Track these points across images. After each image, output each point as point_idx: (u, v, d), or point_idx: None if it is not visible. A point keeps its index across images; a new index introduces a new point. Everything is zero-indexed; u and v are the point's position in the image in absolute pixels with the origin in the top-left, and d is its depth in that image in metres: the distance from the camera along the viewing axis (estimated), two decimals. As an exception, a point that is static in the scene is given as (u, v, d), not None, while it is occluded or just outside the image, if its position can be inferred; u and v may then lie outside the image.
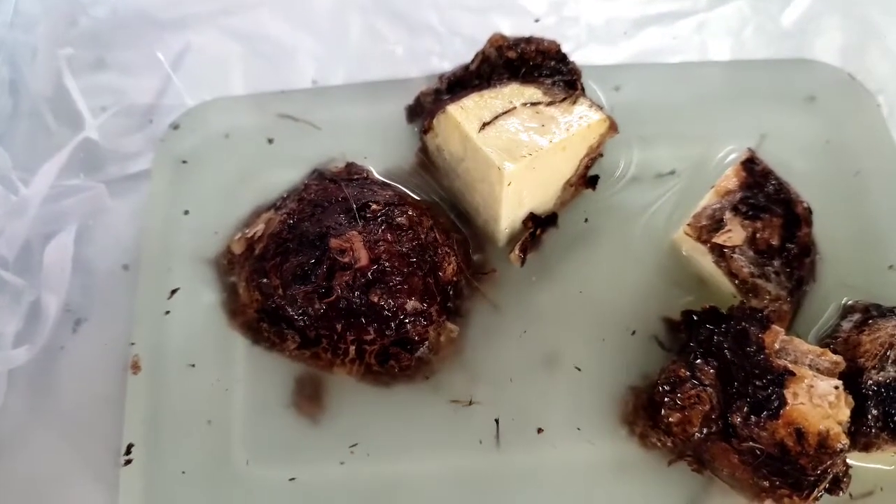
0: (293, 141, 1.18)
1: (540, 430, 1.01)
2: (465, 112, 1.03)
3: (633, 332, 1.06)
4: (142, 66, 1.23)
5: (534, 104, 1.05)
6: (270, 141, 1.19)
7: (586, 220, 1.13)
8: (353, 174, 1.12)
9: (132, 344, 1.05)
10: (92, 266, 1.12)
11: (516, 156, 0.99)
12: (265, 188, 1.15)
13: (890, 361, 0.94)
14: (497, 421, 1.01)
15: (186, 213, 1.14)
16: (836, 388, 0.91)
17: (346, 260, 0.99)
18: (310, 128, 1.20)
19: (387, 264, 1.00)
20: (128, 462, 0.98)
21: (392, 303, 0.99)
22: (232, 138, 1.19)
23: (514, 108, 1.04)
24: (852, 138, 1.19)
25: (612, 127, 1.07)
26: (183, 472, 0.99)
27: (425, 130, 1.11)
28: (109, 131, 1.18)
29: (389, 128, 1.19)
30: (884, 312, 1.02)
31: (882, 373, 0.94)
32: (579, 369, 1.04)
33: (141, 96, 1.23)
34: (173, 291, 1.08)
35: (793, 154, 1.17)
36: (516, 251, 1.07)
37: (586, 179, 1.12)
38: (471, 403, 1.01)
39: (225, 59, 1.23)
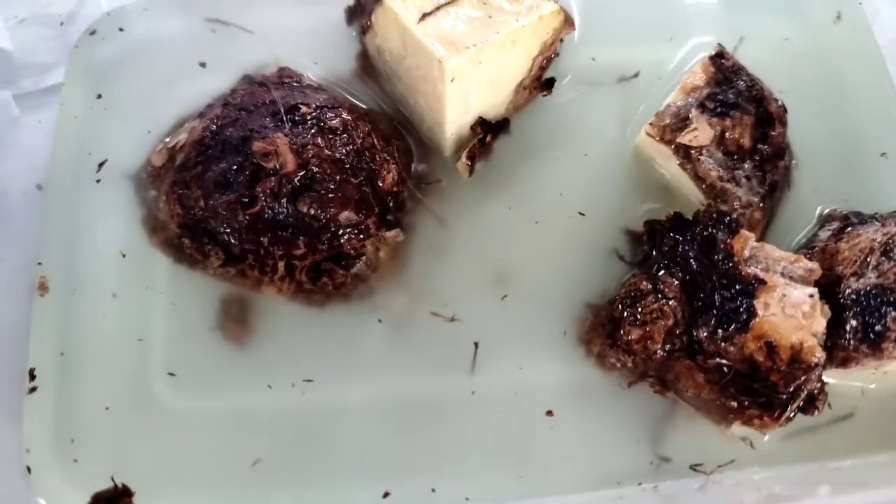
0: (223, 47, 1.08)
1: (487, 353, 0.91)
2: (404, 3, 0.93)
3: (593, 246, 0.96)
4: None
5: (480, -6, 0.94)
6: (197, 47, 1.07)
7: (541, 126, 1.01)
8: (284, 78, 1.01)
9: (39, 264, 0.94)
10: (3, 186, 1.01)
11: (459, 47, 0.89)
12: (192, 98, 1.04)
13: (871, 267, 0.85)
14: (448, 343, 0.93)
15: (104, 126, 1.02)
16: (811, 296, 0.83)
17: (271, 165, 0.89)
18: (242, 32, 1.09)
19: (316, 170, 0.90)
20: (32, 390, 0.88)
21: (323, 213, 0.90)
22: (155, 45, 1.08)
23: (459, -2, 0.94)
24: (833, 41, 1.09)
25: (568, 21, 0.97)
26: (98, 402, 0.89)
27: (364, 31, 1.01)
28: (23, 41, 1.06)
29: (329, 32, 1.08)
30: (864, 219, 0.93)
31: (862, 279, 0.85)
32: (531, 287, 0.94)
33: (59, 3, 1.11)
34: (84, 211, 0.97)
35: (769, 56, 1.07)
36: (463, 159, 0.97)
37: (541, 82, 1.02)
38: (452, 319, 0.93)
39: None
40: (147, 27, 1.10)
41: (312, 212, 0.89)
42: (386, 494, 0.86)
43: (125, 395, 0.90)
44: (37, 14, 1.09)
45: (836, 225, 0.94)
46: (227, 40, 1.09)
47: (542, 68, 1.01)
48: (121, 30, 1.09)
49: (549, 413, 0.89)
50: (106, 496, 0.84)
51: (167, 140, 1.00)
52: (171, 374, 0.91)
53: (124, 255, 0.96)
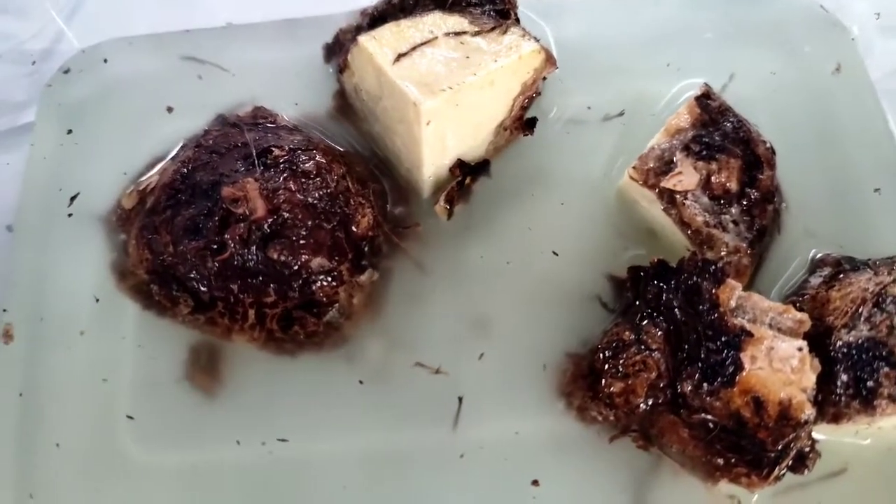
0: (198, 86, 1.06)
1: (466, 405, 0.87)
2: (379, 43, 0.91)
3: (575, 292, 0.92)
4: (35, 7, 1.09)
5: (457, 34, 0.92)
6: (173, 86, 1.05)
7: (523, 167, 0.98)
8: (258, 118, 0.98)
9: (4, 311, 0.91)
10: (-28, 228, 0.99)
11: (435, 90, 0.86)
12: (166, 138, 1.02)
13: (862, 319, 0.82)
14: (421, 396, 0.89)
15: (76, 165, 1.00)
16: (800, 349, 0.79)
17: (241, 211, 0.86)
18: (218, 71, 1.06)
19: (288, 215, 0.87)
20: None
21: (294, 260, 0.87)
22: (130, 83, 1.06)
23: (436, 38, 0.92)
24: (824, 76, 1.06)
25: (550, 60, 0.94)
26: (60, 451, 0.86)
27: (341, 69, 0.99)
28: (-3, 79, 1.04)
29: (307, 70, 1.06)
30: (857, 266, 0.89)
31: (853, 332, 0.81)
32: (511, 335, 0.91)
33: (34, 41, 1.09)
34: (53, 253, 0.94)
35: (758, 94, 1.04)
36: (441, 202, 0.94)
37: (523, 122, 0.99)
38: (437, 372, 0.89)
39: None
40: (122, 65, 1.08)
41: (283, 258, 0.87)
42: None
43: (86, 446, 0.87)
44: (9, 51, 1.08)
45: (827, 271, 0.91)
46: (203, 79, 1.07)
47: (524, 108, 0.98)
48: (95, 67, 1.06)
49: (535, 482, 0.85)
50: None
51: (139, 182, 0.97)
52: (137, 427, 0.87)
53: (98, 300, 0.94)
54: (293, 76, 1.06)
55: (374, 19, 1.03)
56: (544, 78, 0.99)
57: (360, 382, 0.89)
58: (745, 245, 0.89)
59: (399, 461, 0.87)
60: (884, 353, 0.79)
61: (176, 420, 0.87)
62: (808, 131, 1.02)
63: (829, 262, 0.92)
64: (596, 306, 0.92)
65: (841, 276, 0.88)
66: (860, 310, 0.82)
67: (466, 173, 0.96)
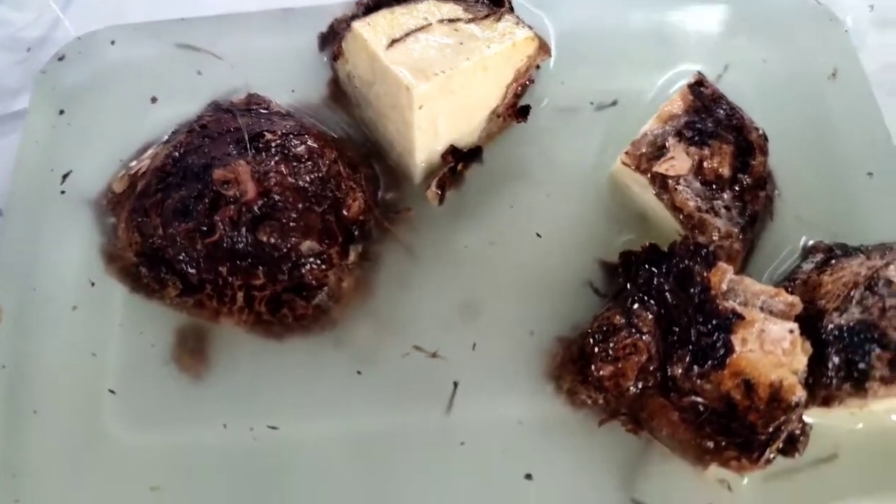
0: (193, 73, 1.06)
1: (455, 387, 0.87)
2: (373, 29, 0.91)
3: (566, 279, 0.92)
4: (31, -4, 1.10)
5: (451, 21, 0.92)
6: (167, 74, 1.05)
7: (515, 154, 0.98)
8: (252, 105, 0.98)
9: (-6, 292, 0.91)
10: (-35, 213, 0.99)
11: (428, 74, 0.87)
12: (160, 124, 1.02)
13: (854, 302, 0.81)
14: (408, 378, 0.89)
15: (68, 150, 1.00)
16: (791, 331, 0.79)
17: (231, 193, 0.86)
18: (213, 59, 1.06)
19: (278, 198, 0.87)
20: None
21: (284, 242, 0.87)
22: (124, 70, 1.06)
23: (430, 24, 0.92)
24: (817, 67, 1.06)
25: (543, 48, 0.95)
26: (41, 424, 0.86)
27: (335, 57, 0.99)
28: (-8, 66, 1.05)
29: (302, 59, 1.06)
30: (849, 252, 0.89)
31: (845, 315, 0.81)
32: (502, 321, 0.90)
33: (30, 29, 1.09)
34: (44, 235, 0.94)
35: (752, 84, 1.04)
36: (433, 187, 0.94)
37: (516, 110, 0.99)
38: (434, 356, 0.88)
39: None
40: (117, 52, 1.08)
41: (272, 241, 0.86)
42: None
43: (73, 428, 0.86)
44: (5, 39, 1.08)
45: (819, 257, 0.90)
46: (198, 67, 1.07)
47: (517, 96, 0.98)
48: (90, 54, 1.06)
49: (525, 469, 0.85)
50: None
51: (130, 166, 0.97)
52: (122, 406, 0.87)
53: (88, 283, 0.92)
54: (288, 65, 1.06)
55: (369, 8, 1.03)
56: (538, 66, 0.99)
57: (353, 368, 0.88)
58: (736, 230, 0.88)
59: (383, 443, 0.86)
60: (875, 336, 0.79)
61: (161, 401, 0.87)
62: (802, 121, 1.02)
63: (822, 249, 0.92)
64: (588, 292, 0.92)
65: (833, 261, 0.88)
66: (852, 293, 0.82)
67: (458, 159, 0.96)
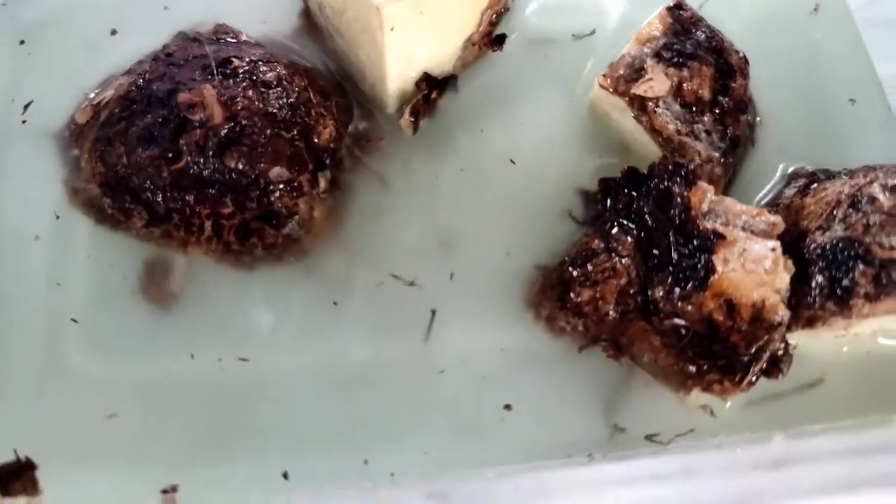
0: (161, 6, 1.02)
1: (433, 316, 0.84)
2: (342, -50, 0.87)
3: (545, 208, 0.90)
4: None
5: (425, -58, 0.89)
6: (133, 6, 1.02)
7: (491, 83, 0.95)
8: (220, 34, 0.95)
9: (-50, 226, 0.87)
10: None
11: (399, -6, 0.83)
12: (125, 57, 0.98)
13: (837, 220, 0.79)
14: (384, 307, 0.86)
15: (30, 82, 0.96)
16: (773, 249, 0.77)
17: (197, 117, 0.83)
18: (180, -9, 1.03)
19: (246, 123, 0.84)
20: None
21: (252, 168, 0.84)
22: (90, 2, 1.02)
23: (402, -55, 0.88)
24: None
25: (519, -28, 0.91)
26: (7, 364, 0.82)
27: (305, -15, 0.95)
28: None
29: (273, -10, 1.02)
30: (832, 175, 0.87)
31: (828, 233, 0.79)
32: (479, 250, 0.88)
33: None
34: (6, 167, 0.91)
35: (734, 15, 1.02)
36: (406, 115, 0.91)
37: (492, 38, 0.96)
38: (412, 284, 0.86)
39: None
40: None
41: (240, 166, 0.83)
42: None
43: (36, 360, 0.82)
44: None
45: (802, 182, 0.89)
46: None
47: (492, 24, 0.95)
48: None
49: (505, 400, 0.82)
50: (7, 470, 0.76)
51: (92, 96, 0.93)
52: (87, 336, 0.83)
53: (58, 217, 0.89)
54: (259, -5, 1.02)
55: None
56: (514, -7, 0.96)
57: (326, 298, 0.85)
58: (717, 155, 0.86)
59: (360, 373, 0.83)
60: (860, 252, 0.77)
61: (127, 332, 0.84)
62: (783, 51, 1.00)
63: (804, 175, 0.90)
64: (568, 221, 0.89)
65: (816, 184, 0.86)
66: (835, 211, 0.80)
67: (433, 87, 0.93)
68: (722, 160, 0.86)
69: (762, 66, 0.95)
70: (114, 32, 0.98)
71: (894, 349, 0.83)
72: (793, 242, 0.81)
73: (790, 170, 0.91)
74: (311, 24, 1.00)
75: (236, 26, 0.99)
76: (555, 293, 0.84)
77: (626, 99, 0.87)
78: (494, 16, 0.95)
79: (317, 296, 0.86)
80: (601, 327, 0.82)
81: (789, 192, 0.88)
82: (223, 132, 0.84)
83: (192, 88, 0.85)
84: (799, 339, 0.81)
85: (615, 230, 0.83)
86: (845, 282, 0.76)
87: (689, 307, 0.78)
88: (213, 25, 0.98)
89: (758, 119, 0.93)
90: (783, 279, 0.76)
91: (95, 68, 0.97)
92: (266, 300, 0.86)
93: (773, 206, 0.87)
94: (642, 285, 0.80)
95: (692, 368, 0.79)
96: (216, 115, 0.84)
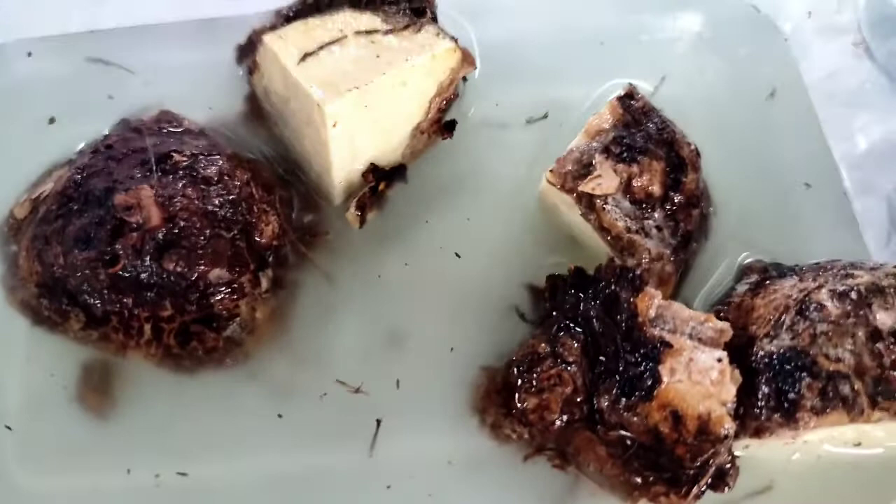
0: (104, 91, 1.00)
1: (378, 426, 0.82)
2: (285, 42, 0.86)
3: (492, 304, 0.88)
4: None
5: (369, 32, 0.88)
6: (77, 89, 1.00)
7: (442, 172, 0.94)
8: (163, 122, 0.93)
9: None
10: None
11: (341, 90, 0.82)
12: (67, 145, 0.96)
13: (785, 328, 0.78)
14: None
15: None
16: (720, 360, 0.75)
17: (134, 219, 0.81)
18: (127, 74, 1.01)
19: (184, 223, 0.82)
20: None
21: (191, 271, 0.82)
22: (29, 87, 1.00)
23: (345, 36, 0.87)
24: (756, 77, 1.02)
25: (467, 59, 0.90)
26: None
27: (251, 71, 0.94)
28: None
29: (220, 74, 1.01)
30: (783, 272, 0.85)
31: (776, 341, 0.77)
32: (426, 350, 0.86)
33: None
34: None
35: (690, 96, 1.01)
36: (352, 209, 0.90)
37: (441, 125, 0.95)
38: (358, 391, 0.83)
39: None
40: (25, 67, 1.02)
41: (179, 269, 0.81)
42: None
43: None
44: None
45: (754, 278, 0.87)
46: (109, 83, 1.01)
47: (442, 110, 0.94)
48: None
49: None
50: None
51: (32, 190, 0.91)
52: (21, 447, 0.82)
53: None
54: (205, 80, 1.01)
55: (289, 20, 0.98)
56: (464, 79, 0.95)
57: (269, 406, 0.83)
58: (668, 252, 0.85)
59: (302, 482, 0.81)
60: (806, 363, 0.75)
61: (62, 442, 0.82)
62: (739, 134, 0.99)
63: (756, 269, 0.88)
64: (515, 318, 0.87)
65: (767, 282, 0.85)
66: (783, 318, 0.78)
67: (380, 179, 0.91)
68: (673, 257, 0.85)
69: (717, 148, 0.94)
70: (52, 121, 0.96)
71: (844, 456, 0.81)
72: (741, 348, 0.79)
73: (745, 262, 0.89)
74: (257, 109, 0.98)
75: (182, 111, 0.97)
76: (500, 398, 0.82)
77: (574, 196, 0.85)
78: (443, 103, 0.93)
79: (261, 404, 0.84)
80: (547, 436, 0.80)
81: (741, 288, 0.86)
82: (161, 234, 0.82)
83: (130, 188, 0.83)
84: (748, 443, 0.79)
85: (562, 334, 0.81)
86: (791, 395, 0.75)
87: (635, 418, 0.76)
88: (157, 112, 0.95)
89: (711, 209, 0.92)
90: (729, 391, 0.75)
91: (37, 157, 0.95)
92: (208, 407, 0.84)
93: (724, 304, 0.86)
94: (588, 393, 0.78)
95: (638, 480, 0.77)
96: (153, 217, 0.82)
